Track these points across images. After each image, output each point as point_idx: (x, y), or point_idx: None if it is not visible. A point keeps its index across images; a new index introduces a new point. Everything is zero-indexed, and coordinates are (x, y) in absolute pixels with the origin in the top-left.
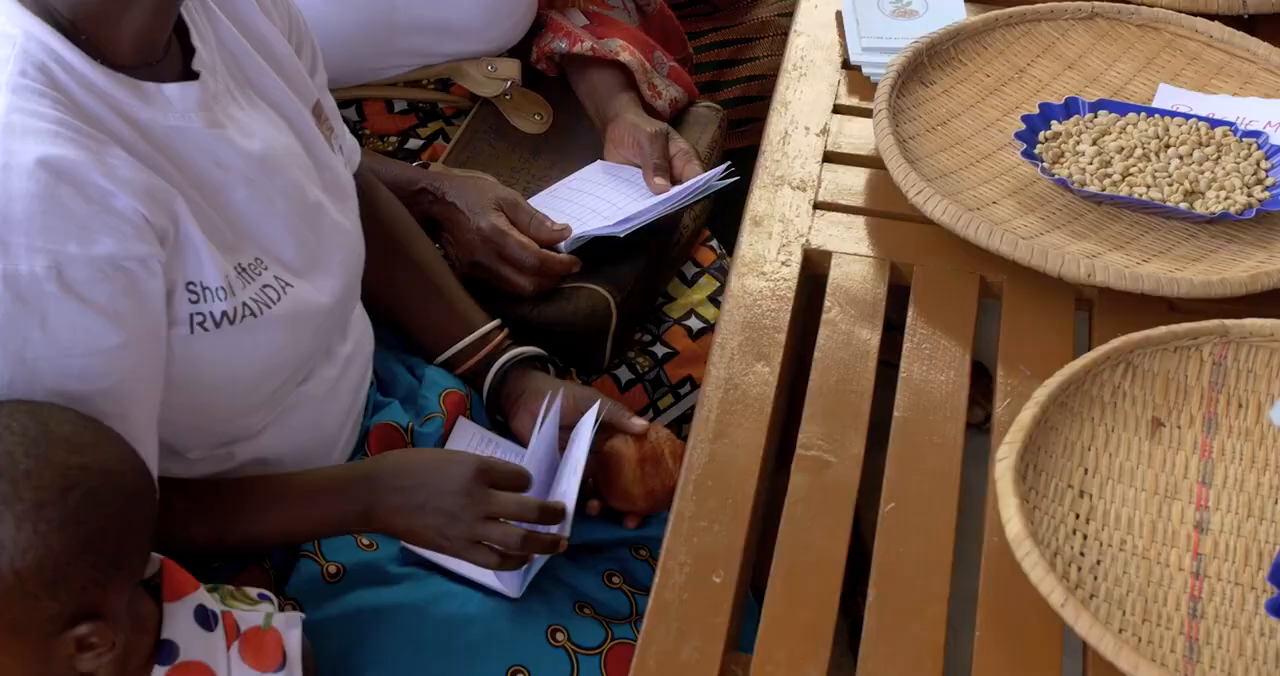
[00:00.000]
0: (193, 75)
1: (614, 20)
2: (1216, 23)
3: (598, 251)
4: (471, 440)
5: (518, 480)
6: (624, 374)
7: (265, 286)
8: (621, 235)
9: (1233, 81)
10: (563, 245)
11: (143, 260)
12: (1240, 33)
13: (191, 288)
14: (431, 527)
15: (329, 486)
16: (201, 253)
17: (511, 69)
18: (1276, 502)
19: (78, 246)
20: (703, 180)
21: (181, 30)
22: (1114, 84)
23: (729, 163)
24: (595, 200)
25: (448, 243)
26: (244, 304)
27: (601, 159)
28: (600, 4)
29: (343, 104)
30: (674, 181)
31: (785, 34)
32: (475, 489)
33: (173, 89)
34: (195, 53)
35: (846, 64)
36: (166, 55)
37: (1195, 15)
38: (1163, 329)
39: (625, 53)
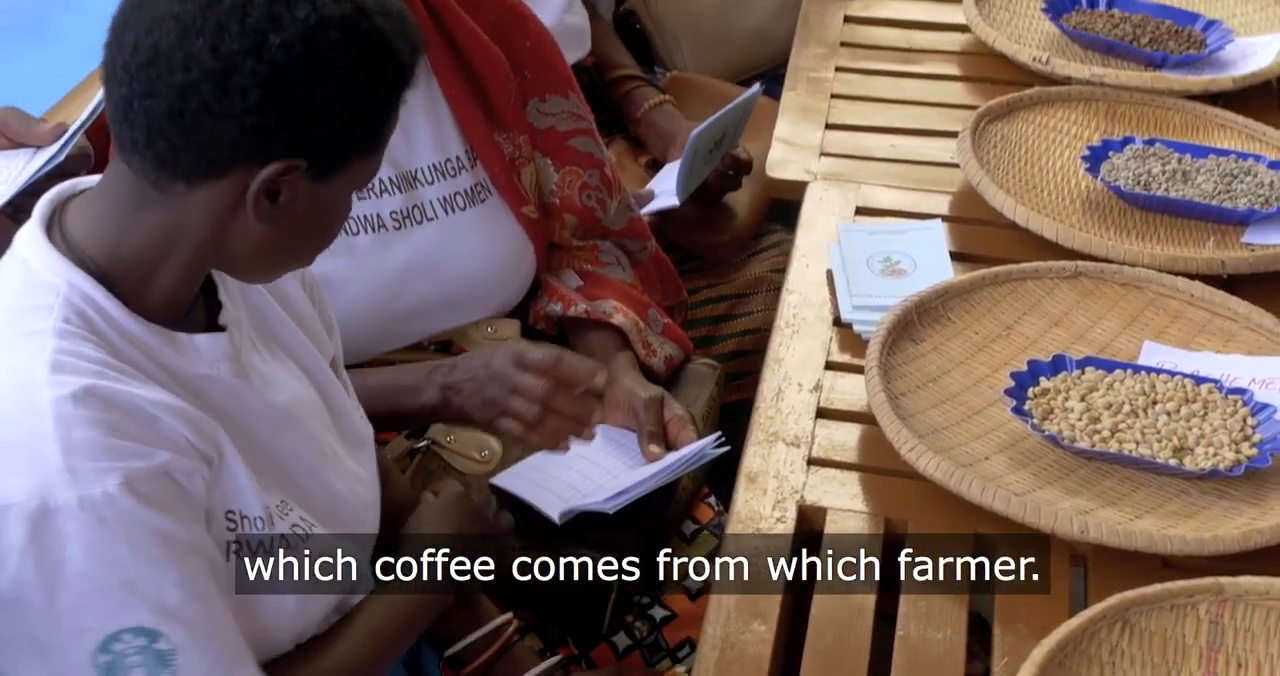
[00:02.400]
0: (218, 328)
1: (607, 279)
2: (1197, 282)
3: (596, 519)
4: None
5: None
6: (621, 640)
7: (294, 525)
8: (610, 511)
9: (1216, 339)
10: (555, 517)
11: (190, 474)
12: (1221, 292)
13: (230, 516)
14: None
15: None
16: (243, 482)
17: (511, 329)
18: None
19: (140, 460)
20: (695, 450)
21: (209, 286)
22: (1100, 341)
23: (719, 433)
24: (591, 465)
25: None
26: (280, 536)
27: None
28: (594, 262)
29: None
30: (670, 447)
31: (779, 289)
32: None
33: (202, 339)
34: (223, 307)
35: (838, 321)
36: (193, 309)
37: (1176, 275)
38: (1158, 587)
39: (619, 314)
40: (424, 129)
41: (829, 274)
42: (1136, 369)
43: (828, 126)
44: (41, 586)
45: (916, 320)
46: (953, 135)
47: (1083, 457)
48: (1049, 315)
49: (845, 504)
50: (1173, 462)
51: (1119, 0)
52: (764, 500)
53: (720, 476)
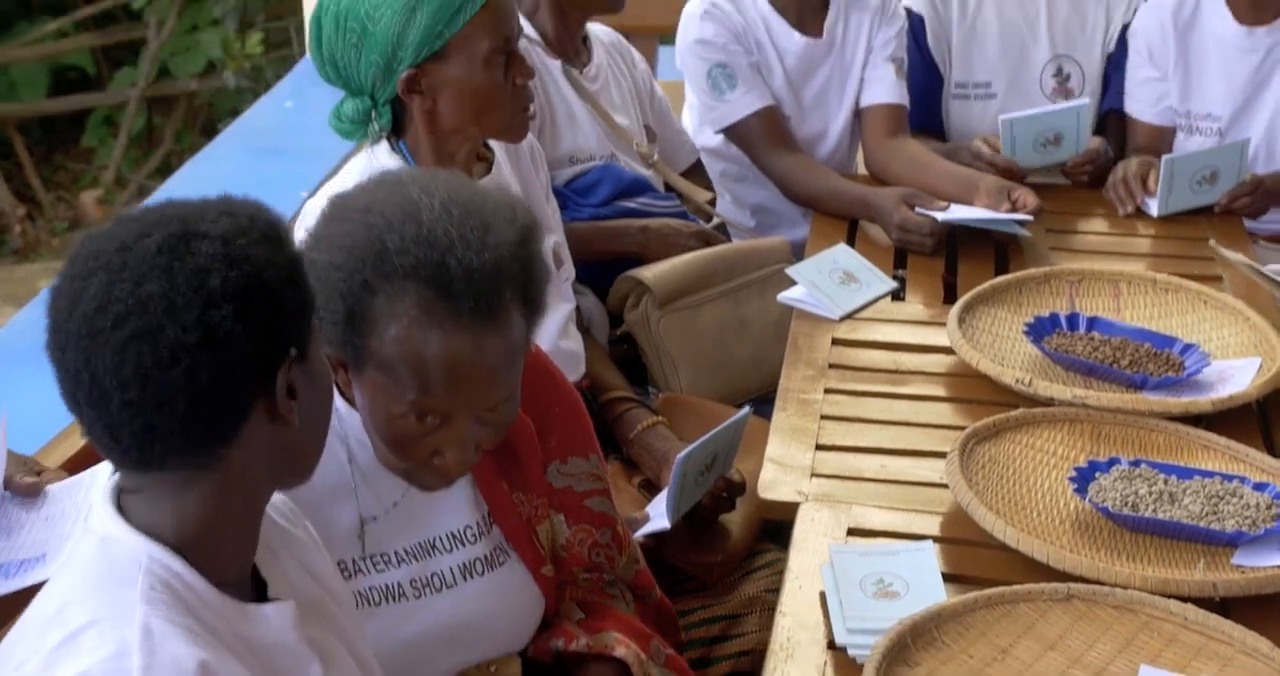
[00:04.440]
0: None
1: (610, 610)
2: (1190, 605)
3: None
4: None
5: None
6: None
7: None
8: None
9: (1213, 664)
10: None
11: None
12: (1215, 616)
13: None
14: None
15: None
16: None
17: (512, 667)
18: None
19: None
20: None
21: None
22: (1096, 665)
23: None
24: None
25: None
26: None
27: None
28: (598, 593)
29: None
30: None
31: (773, 609)
32: None
33: (270, 609)
34: (268, 584)
35: (833, 644)
36: (243, 583)
37: (1169, 597)
38: None
39: (621, 647)
40: (441, 497)
41: (822, 596)
42: None
43: (818, 447)
44: None
45: (910, 644)
46: (941, 455)
47: None
48: (1043, 638)
49: None
50: None
51: (1098, 323)
52: None
53: None
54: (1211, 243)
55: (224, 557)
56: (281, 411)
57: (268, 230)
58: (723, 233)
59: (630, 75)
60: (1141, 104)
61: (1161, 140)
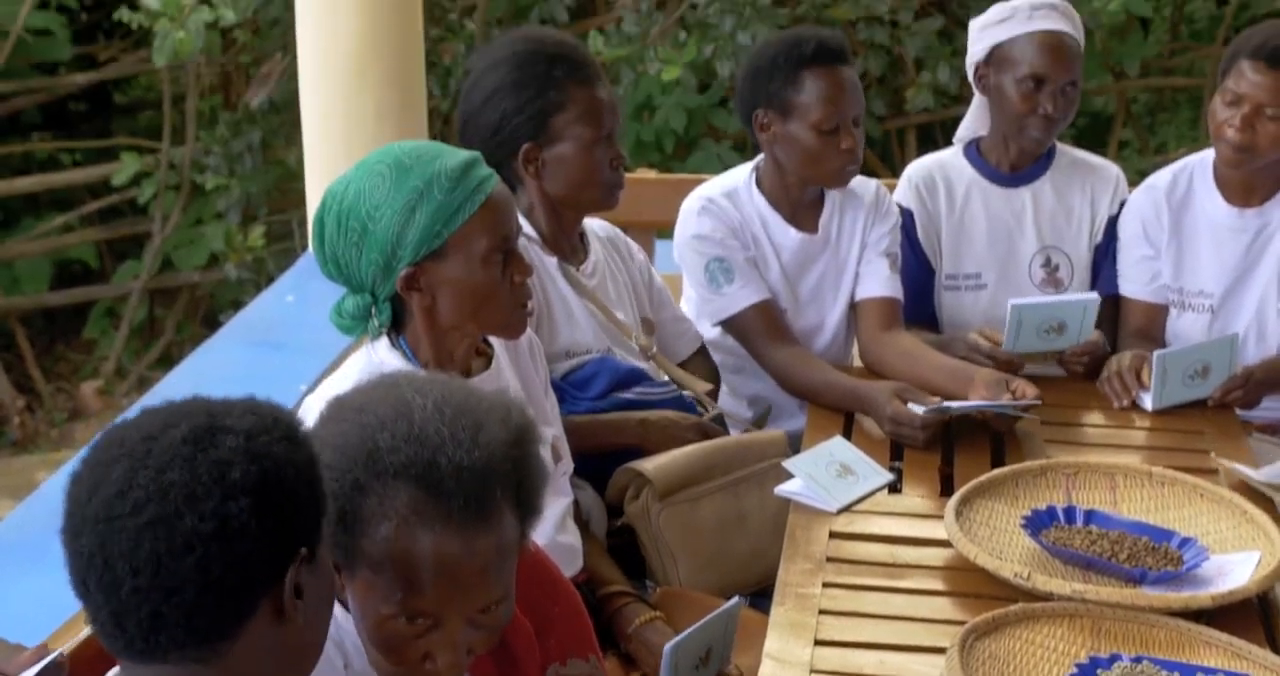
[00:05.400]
0: None
1: None
2: None
3: None
4: None
5: None
6: None
7: None
8: None
9: None
10: None
11: None
12: None
13: None
14: None
15: None
16: None
17: None
18: None
19: None
20: None
21: None
22: None
23: None
24: None
25: None
26: None
27: None
28: None
29: None
30: None
31: None
32: None
33: None
34: None
35: None
36: None
37: None
38: None
39: None
40: None
41: None
42: None
43: (817, 642)
44: None
45: None
46: (941, 651)
47: None
48: None
49: None
50: None
51: (1096, 516)
52: None
53: None
54: (1213, 455)
55: None
56: (287, 610)
57: (289, 431)
58: (720, 424)
59: (627, 268)
60: (1136, 284)
61: (1156, 319)
